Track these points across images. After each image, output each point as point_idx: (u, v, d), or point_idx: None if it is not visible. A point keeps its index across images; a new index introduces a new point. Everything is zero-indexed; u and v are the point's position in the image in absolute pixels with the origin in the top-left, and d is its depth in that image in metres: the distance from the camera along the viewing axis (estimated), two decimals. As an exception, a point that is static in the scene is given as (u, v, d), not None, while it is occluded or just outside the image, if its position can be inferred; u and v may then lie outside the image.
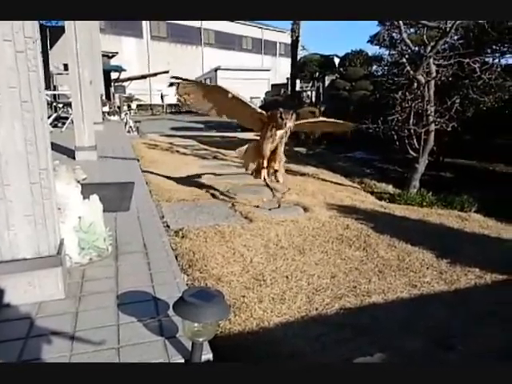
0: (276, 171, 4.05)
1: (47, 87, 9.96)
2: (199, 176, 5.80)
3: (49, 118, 7.95)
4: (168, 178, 5.52)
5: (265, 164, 4.01)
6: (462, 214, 4.99)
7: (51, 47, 11.86)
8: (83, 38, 5.50)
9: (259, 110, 3.93)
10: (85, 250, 2.34)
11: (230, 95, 3.71)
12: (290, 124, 3.69)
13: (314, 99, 16.27)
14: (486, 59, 6.81)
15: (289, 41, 19.66)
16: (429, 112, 5.88)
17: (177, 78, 3.72)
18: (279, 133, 3.77)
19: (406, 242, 3.57)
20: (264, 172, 4.03)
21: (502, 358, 2.06)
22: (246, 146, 4.34)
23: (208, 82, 29.46)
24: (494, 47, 7.86)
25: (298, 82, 19.54)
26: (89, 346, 1.62)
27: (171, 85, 3.76)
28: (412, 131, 5.98)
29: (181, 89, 3.74)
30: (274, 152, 3.96)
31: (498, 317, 2.45)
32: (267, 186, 4.27)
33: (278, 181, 4.09)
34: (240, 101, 3.82)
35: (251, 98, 21.54)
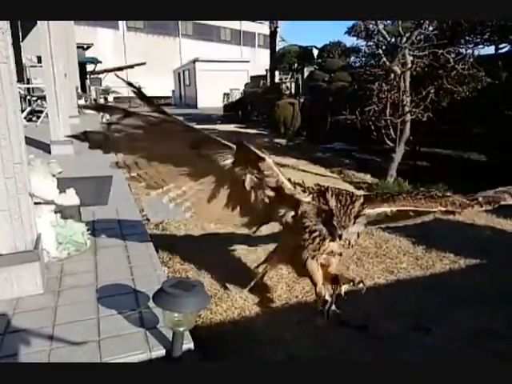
0: (336, 278, 2.12)
1: (20, 80, 9.68)
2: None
3: (23, 111, 7.75)
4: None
5: (319, 285, 2.09)
6: (438, 201, 5.10)
7: (23, 39, 11.50)
8: (57, 30, 5.37)
9: (304, 197, 1.98)
10: (62, 245, 2.32)
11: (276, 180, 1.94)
12: (352, 231, 1.92)
13: (293, 91, 16.30)
14: (460, 50, 6.91)
15: (267, 32, 19.57)
16: (404, 102, 5.95)
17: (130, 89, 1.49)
18: (331, 245, 1.97)
19: (383, 229, 3.64)
20: (322, 292, 2.07)
21: (475, 339, 2.14)
22: (268, 262, 2.43)
23: (186, 74, 28.51)
24: (467, 38, 8.00)
25: (277, 73, 19.50)
26: (69, 340, 1.62)
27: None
28: (388, 121, 6.05)
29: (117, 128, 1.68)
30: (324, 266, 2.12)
31: (472, 300, 2.54)
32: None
33: (340, 294, 2.10)
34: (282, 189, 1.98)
35: (231, 89, 21.44)
